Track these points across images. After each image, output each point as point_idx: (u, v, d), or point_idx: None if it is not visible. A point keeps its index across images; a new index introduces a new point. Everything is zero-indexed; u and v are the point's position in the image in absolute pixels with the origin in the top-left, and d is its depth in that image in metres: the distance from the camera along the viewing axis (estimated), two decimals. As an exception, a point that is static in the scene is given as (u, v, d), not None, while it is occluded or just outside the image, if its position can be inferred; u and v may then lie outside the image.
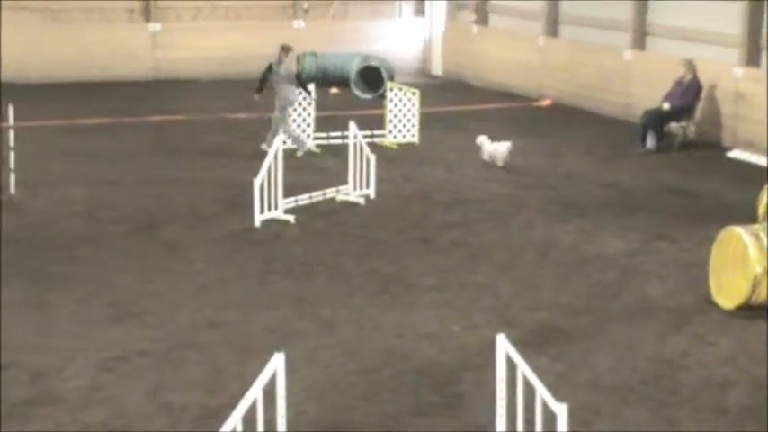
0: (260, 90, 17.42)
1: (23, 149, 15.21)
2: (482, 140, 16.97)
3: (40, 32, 26.29)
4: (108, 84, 25.68)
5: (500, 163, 16.35)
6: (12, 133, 14.40)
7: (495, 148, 16.62)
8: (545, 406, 5.72)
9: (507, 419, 6.45)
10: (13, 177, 14.27)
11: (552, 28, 23.65)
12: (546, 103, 22.90)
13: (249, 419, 5.73)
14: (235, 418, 5.60)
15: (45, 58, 25.73)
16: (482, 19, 26.68)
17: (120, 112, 21.39)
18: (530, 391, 5.94)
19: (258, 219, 12.71)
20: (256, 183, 12.59)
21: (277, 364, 5.86)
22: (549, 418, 5.68)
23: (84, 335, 9.09)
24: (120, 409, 7.55)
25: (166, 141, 18.52)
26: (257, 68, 27.09)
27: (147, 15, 27.27)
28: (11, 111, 14.41)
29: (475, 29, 26.64)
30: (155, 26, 27.15)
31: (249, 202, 12.78)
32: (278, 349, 6.05)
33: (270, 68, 17.41)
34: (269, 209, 12.86)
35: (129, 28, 27.07)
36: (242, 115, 21.14)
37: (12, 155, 14.35)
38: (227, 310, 9.79)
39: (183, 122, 20.56)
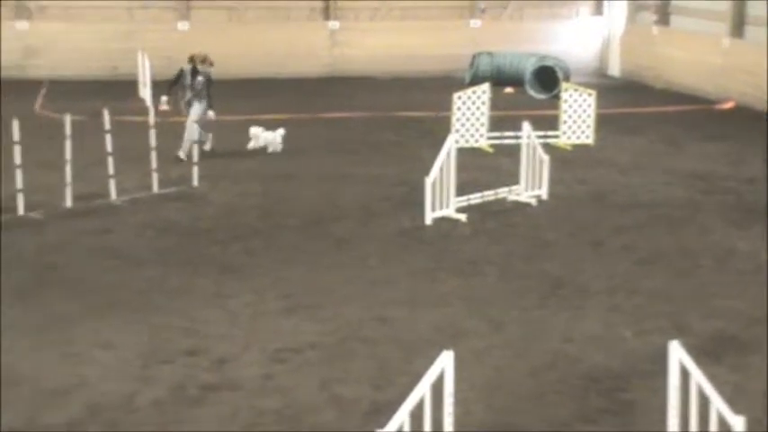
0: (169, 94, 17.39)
1: (205, 143, 15.81)
2: (256, 131, 17.38)
3: (225, 30, 27.20)
4: (286, 80, 26.34)
5: (272, 149, 17.17)
6: (196, 128, 14.95)
7: (267, 137, 17.28)
8: (720, 418, 5.56)
9: (680, 430, 6.29)
10: (195, 170, 14.82)
11: (738, 29, 22.91)
12: (728, 105, 22.21)
13: (416, 416, 5.77)
14: (402, 415, 5.64)
15: (228, 54, 26.60)
16: (663, 19, 26.07)
17: (298, 108, 21.91)
18: (704, 402, 5.78)
19: (429, 217, 12.78)
20: (428, 181, 12.67)
21: (445, 362, 5.87)
22: (725, 430, 5.51)
23: (259, 325, 9.35)
24: (292, 399, 7.73)
25: (340, 137, 18.85)
26: (433, 67, 27.33)
27: (327, 14, 27.81)
28: (196, 105, 14.96)
29: (655, 29, 26.06)
30: (333, 24, 27.67)
31: (420, 200, 12.88)
32: (445, 347, 6.07)
33: (184, 75, 16.69)
34: (440, 207, 12.92)
35: (309, 26, 27.69)
36: (415, 113, 21.31)
37: (195, 148, 14.91)
38: (396, 307, 9.88)
39: (357, 119, 20.88)
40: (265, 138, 17.33)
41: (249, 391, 7.86)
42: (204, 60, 16.56)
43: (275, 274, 10.87)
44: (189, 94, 16.48)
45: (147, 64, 22.14)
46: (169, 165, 15.70)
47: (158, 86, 19.46)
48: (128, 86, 23.41)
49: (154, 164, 14.61)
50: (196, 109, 16.39)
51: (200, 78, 16.42)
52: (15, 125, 12.83)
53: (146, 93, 21.66)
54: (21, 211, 12.96)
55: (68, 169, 13.41)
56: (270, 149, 17.19)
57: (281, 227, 12.79)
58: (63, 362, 8.37)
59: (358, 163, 16.55)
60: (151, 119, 14.82)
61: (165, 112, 19.65)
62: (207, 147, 16.60)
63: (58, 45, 26.78)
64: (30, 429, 7.17)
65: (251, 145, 17.17)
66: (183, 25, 27.16)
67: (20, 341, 8.80)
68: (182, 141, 16.25)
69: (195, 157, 14.87)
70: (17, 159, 12.91)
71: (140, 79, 22.99)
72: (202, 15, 27.36)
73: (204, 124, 16.50)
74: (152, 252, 11.62)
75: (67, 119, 13.53)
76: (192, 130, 16.21)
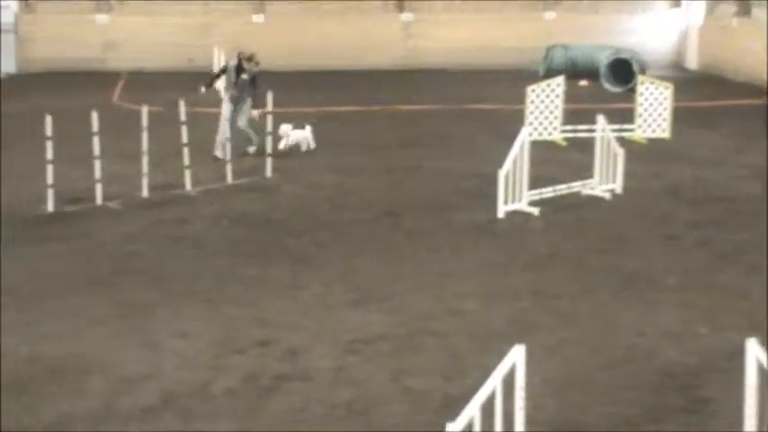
0: (209, 86, 16.66)
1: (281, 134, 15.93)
2: (285, 129, 16.46)
3: (299, 22, 27.38)
4: (360, 72, 26.41)
5: (304, 147, 16.42)
6: (270, 119, 15.09)
7: (297, 135, 16.49)
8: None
9: (757, 429, 6.19)
10: (269, 161, 14.95)
11: (820, 20, 22.43)
12: (809, 99, 21.77)
13: (487, 410, 5.76)
14: (473, 408, 5.63)
15: (302, 46, 26.77)
16: (743, 10, 25.61)
17: (371, 100, 21.96)
18: (780, 401, 5.68)
19: (502, 210, 12.74)
20: (501, 173, 12.62)
21: (517, 355, 5.85)
22: (801, 430, 5.41)
23: (329, 316, 9.40)
24: (363, 391, 7.76)
25: (412, 130, 18.86)
26: (507, 60, 27.22)
27: (401, 6, 27.83)
28: (269, 97, 15.09)
29: (735, 21, 25.61)
30: (407, 16, 27.69)
31: (492, 193, 12.83)
32: (517, 341, 6.05)
33: (228, 71, 16.19)
34: (513, 200, 12.87)
35: (383, 18, 27.74)
36: (487, 106, 21.24)
37: (269, 140, 15.04)
38: (467, 300, 9.86)
39: (429, 112, 20.87)
40: (296, 136, 16.64)
41: (320, 383, 7.91)
42: (250, 59, 16.13)
43: (347, 265, 10.91)
44: (233, 91, 16.15)
45: (223, 56, 22.38)
46: (242, 156, 15.84)
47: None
48: (203, 78, 23.66)
49: (228, 155, 14.78)
50: (245, 109, 16.07)
51: (244, 77, 16.04)
52: (94, 117, 13.06)
53: (221, 85, 21.88)
54: (99, 200, 13.21)
55: (145, 160, 13.62)
56: (303, 148, 16.60)
57: (352, 219, 12.84)
58: (138, 350, 8.51)
59: (430, 155, 16.54)
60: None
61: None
62: (219, 154, 15.77)
63: (136, 38, 27.21)
64: (106, 415, 7.30)
65: (282, 144, 16.44)
66: (257, 18, 27.43)
67: (97, 329, 8.96)
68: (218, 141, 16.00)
69: (269, 149, 15.00)
70: (96, 150, 13.15)
71: (216, 71, 23.22)
72: (277, 8, 27.57)
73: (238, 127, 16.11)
74: (226, 242, 11.75)
75: (144, 110, 13.74)
76: (247, 129, 16.12)
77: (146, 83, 24.32)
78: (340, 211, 13.21)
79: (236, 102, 16.14)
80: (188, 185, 14.06)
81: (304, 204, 13.57)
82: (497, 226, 12.48)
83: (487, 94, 22.47)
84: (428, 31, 27.73)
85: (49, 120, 12.70)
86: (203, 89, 16.00)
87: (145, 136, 13.62)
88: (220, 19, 27.12)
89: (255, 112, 15.92)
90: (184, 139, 14.06)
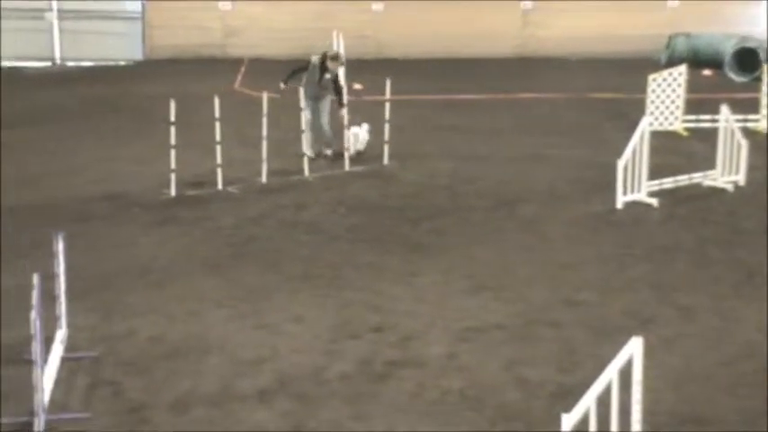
0: (286, 82, 15.52)
1: (398, 122, 15.98)
2: (356, 132, 15.52)
3: (417, 10, 27.42)
4: (478, 60, 26.31)
5: (361, 147, 15.48)
6: (387, 106, 15.16)
7: (359, 136, 15.53)
8: None
9: None
10: (386, 149, 15.04)
11: None
12: None
13: (603, 402, 5.72)
14: (589, 399, 5.60)
15: (421, 34, 26.80)
16: None
17: (489, 88, 21.87)
18: None
19: (620, 200, 12.57)
20: (620, 164, 12.46)
21: (634, 348, 5.78)
22: None
23: (445, 304, 9.42)
24: (476, 379, 7.77)
25: (531, 119, 18.72)
26: (627, 48, 26.77)
27: (521, -6, 27.66)
28: (388, 84, 15.15)
29: None
30: (526, 4, 27.48)
31: (610, 183, 12.67)
32: (634, 333, 5.98)
33: (312, 69, 15.52)
34: (632, 191, 12.69)
35: (502, 6, 27.58)
36: (607, 95, 20.95)
37: (387, 127, 15.11)
38: (584, 291, 9.77)
39: (547, 100, 20.69)
40: (363, 138, 15.67)
41: (434, 369, 7.94)
42: (335, 58, 15.68)
43: (463, 253, 10.92)
44: (316, 90, 15.54)
45: (342, 44, 22.56)
46: (319, 158, 15.54)
47: (352, 65, 19.77)
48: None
49: (346, 142, 14.91)
50: (326, 107, 15.60)
51: (327, 76, 15.54)
52: (216, 103, 13.32)
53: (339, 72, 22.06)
54: (219, 185, 13.48)
55: (264, 146, 13.84)
56: (361, 147, 15.62)
57: (469, 207, 12.83)
58: (255, 333, 8.67)
59: (548, 145, 16.40)
60: (344, 98, 15.08)
61: (358, 91, 19.98)
62: (328, 152, 15.57)
63: (256, 25, 27.62)
64: (224, 396, 7.47)
65: (351, 151, 15.30)
66: (377, 6, 27.55)
67: (217, 311, 9.17)
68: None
69: (387, 135, 15.08)
70: (217, 135, 13.42)
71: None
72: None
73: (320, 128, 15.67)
74: (343, 228, 11.87)
75: (264, 96, 13.95)
76: (327, 129, 15.63)
77: (265, 69, 24.64)
78: (457, 199, 13.21)
79: (318, 100, 15.65)
80: (306, 171, 14.24)
81: (421, 192, 13.61)
82: (615, 216, 12.32)
83: (607, 83, 22.16)
84: (547, 19, 27.46)
85: (172, 106, 13.01)
86: (282, 85, 15.60)
87: (265, 122, 13.84)
88: (340, 7, 27.33)
89: (344, 111, 15.65)
90: (303, 125, 14.22)
